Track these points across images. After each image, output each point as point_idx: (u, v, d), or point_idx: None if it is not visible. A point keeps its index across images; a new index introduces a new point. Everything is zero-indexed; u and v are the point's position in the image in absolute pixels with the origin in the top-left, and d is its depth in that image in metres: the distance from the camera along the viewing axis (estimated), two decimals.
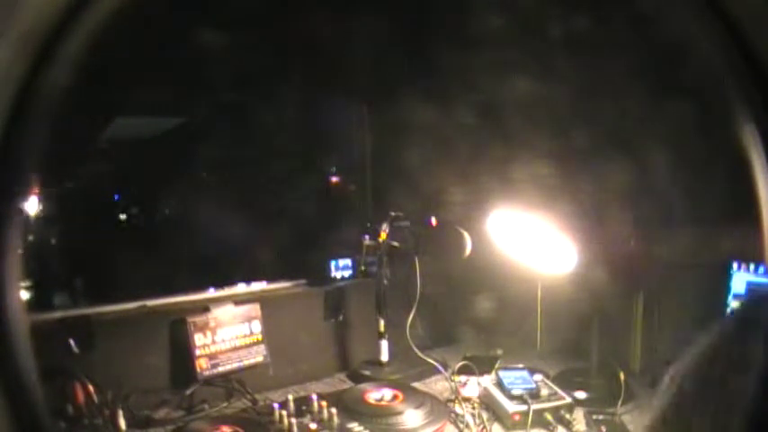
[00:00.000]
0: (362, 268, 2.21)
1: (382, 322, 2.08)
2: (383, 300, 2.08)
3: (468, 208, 2.03)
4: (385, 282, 2.08)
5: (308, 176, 3.33)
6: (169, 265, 3.07)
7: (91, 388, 1.57)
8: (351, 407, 1.72)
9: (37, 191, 2.52)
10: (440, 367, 1.99)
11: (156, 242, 3.67)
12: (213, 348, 1.89)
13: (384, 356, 2.09)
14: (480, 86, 2.01)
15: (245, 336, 1.96)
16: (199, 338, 1.86)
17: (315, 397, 1.73)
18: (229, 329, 1.93)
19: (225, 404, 1.85)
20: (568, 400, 1.72)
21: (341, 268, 2.25)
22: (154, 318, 1.89)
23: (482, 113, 2.05)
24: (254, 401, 1.85)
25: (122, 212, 3.97)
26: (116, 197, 3.96)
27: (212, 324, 1.90)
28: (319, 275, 2.24)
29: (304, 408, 1.71)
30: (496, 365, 1.93)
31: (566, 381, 1.90)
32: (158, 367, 1.85)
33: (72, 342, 1.66)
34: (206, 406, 1.82)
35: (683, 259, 1.83)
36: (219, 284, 2.12)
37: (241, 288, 2.15)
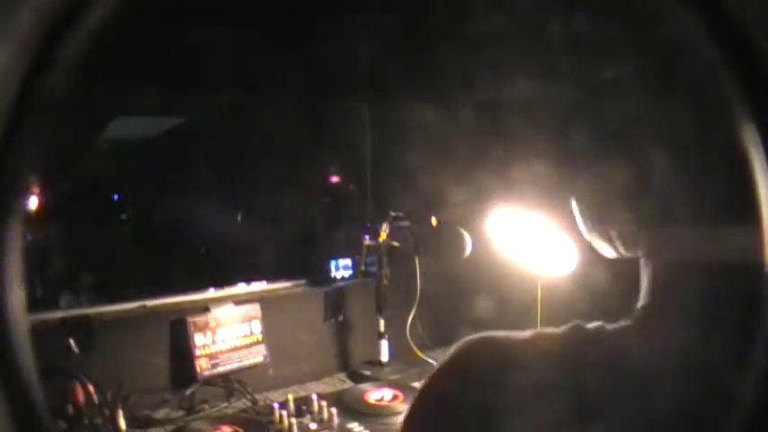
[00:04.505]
0: (362, 268, 2.22)
1: (382, 322, 2.08)
2: (383, 300, 2.08)
3: (468, 208, 2.03)
4: (385, 282, 2.08)
5: (309, 176, 3.33)
6: (169, 265, 3.07)
7: (91, 388, 1.57)
8: (351, 407, 1.72)
9: (36, 191, 2.51)
10: None
11: (156, 242, 3.67)
12: (213, 348, 1.89)
13: (384, 356, 2.09)
14: (480, 86, 2.01)
15: (245, 336, 1.96)
16: (199, 338, 1.87)
17: (315, 397, 1.73)
18: (229, 329, 1.93)
19: (225, 404, 1.85)
20: None
21: (341, 268, 2.25)
22: (154, 318, 1.89)
23: (482, 114, 2.05)
24: (254, 401, 1.85)
25: (122, 212, 3.97)
26: (116, 197, 3.96)
27: (212, 324, 1.90)
28: (319, 275, 2.24)
29: (304, 408, 1.71)
30: None
31: None
32: (158, 367, 1.85)
33: (72, 342, 1.66)
34: (206, 406, 1.82)
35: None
36: (219, 284, 2.12)
37: (241, 288, 2.15)
